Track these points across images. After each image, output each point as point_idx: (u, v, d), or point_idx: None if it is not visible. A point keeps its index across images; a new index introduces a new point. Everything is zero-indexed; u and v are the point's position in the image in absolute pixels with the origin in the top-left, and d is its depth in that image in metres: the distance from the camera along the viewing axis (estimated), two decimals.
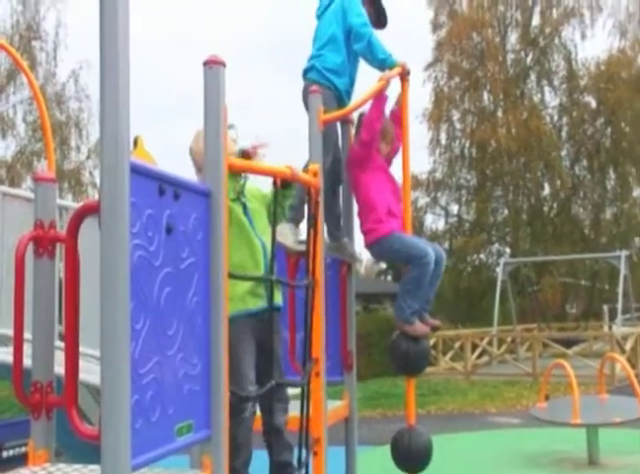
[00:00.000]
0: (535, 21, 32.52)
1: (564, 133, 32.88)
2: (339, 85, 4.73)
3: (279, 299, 3.76)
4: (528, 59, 32.71)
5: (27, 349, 2.91)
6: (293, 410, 3.70)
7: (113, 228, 2.08)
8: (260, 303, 3.58)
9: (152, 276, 2.33)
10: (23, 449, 4.79)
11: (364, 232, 4.86)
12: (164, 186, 2.44)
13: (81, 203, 2.92)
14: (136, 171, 2.23)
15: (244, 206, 3.70)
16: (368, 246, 4.89)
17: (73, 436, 2.59)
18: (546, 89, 32.61)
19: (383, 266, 40.08)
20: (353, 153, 4.83)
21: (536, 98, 32.61)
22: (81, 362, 2.79)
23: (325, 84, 4.64)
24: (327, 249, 4.35)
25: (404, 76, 4.82)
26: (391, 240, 4.75)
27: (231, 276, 2.94)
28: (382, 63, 4.73)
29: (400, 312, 4.74)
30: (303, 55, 4.92)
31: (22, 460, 2.92)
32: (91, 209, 2.44)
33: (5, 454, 4.93)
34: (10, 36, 23.41)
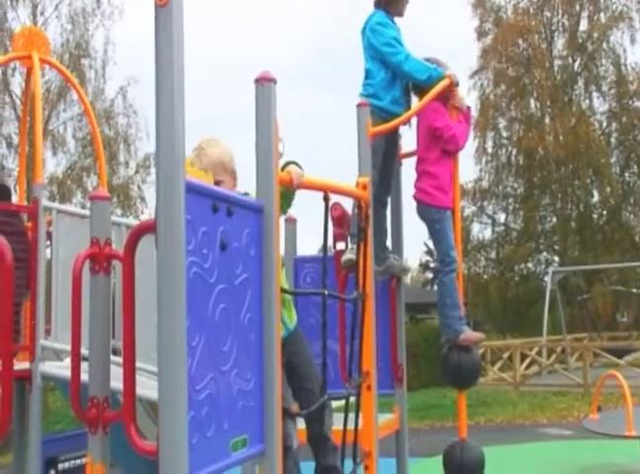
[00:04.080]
0: (583, 26, 32.16)
1: (613, 139, 32.39)
2: (382, 107, 4.77)
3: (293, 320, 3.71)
4: (576, 65, 32.32)
5: (83, 364, 2.97)
6: (340, 423, 3.69)
7: (169, 246, 2.12)
8: (283, 330, 3.54)
9: (207, 292, 2.36)
10: (78, 462, 4.86)
11: (419, 189, 4.92)
12: (218, 203, 2.47)
13: (133, 219, 2.97)
14: (191, 189, 2.27)
15: None
16: (417, 201, 4.96)
17: (126, 449, 2.63)
18: (594, 95, 32.21)
19: (430, 276, 39.88)
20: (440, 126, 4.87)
21: (584, 104, 32.22)
22: (140, 378, 2.85)
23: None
24: (374, 274, 4.34)
25: (453, 88, 4.82)
26: (439, 218, 4.81)
27: (283, 290, 2.96)
28: (428, 82, 4.75)
29: (448, 329, 4.75)
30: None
31: (77, 473, 2.97)
32: (147, 228, 2.48)
33: (61, 467, 5.01)
34: (60, 54, 23.85)
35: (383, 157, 4.76)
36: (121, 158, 25.83)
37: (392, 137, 4.90)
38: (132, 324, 2.54)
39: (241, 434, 2.49)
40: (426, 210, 4.88)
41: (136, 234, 2.50)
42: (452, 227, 4.87)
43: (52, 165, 24.92)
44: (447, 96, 4.92)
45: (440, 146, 4.86)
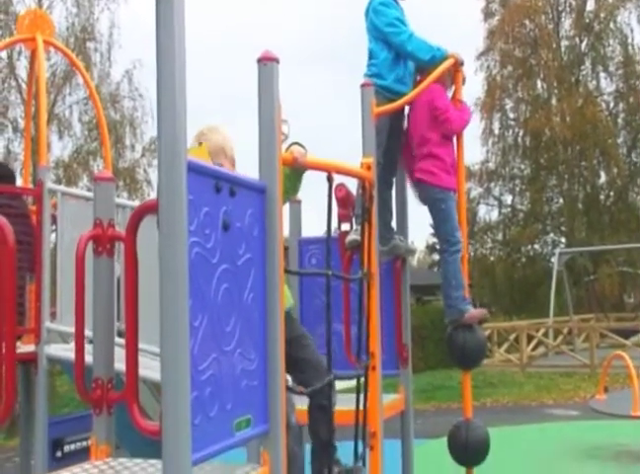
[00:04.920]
0: (590, 6, 31.92)
1: (620, 120, 32.23)
2: (385, 86, 4.74)
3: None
4: (583, 45, 32.11)
5: (87, 345, 2.97)
6: (348, 404, 3.69)
7: (171, 226, 2.11)
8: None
9: (210, 272, 2.36)
10: (84, 444, 4.88)
11: (423, 169, 4.85)
12: (220, 183, 2.46)
13: (139, 202, 2.97)
14: (193, 169, 2.25)
15: None
16: (418, 182, 4.89)
17: (131, 431, 2.63)
18: (602, 75, 32.02)
19: (436, 257, 39.86)
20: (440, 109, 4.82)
21: (591, 84, 32.04)
22: (140, 358, 2.84)
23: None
24: (379, 254, 4.33)
25: (457, 67, 4.78)
26: (444, 198, 4.76)
27: (287, 271, 2.96)
28: (431, 62, 4.72)
29: (452, 310, 4.75)
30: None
31: (83, 454, 2.98)
32: (150, 208, 2.47)
33: (67, 449, 5.03)
34: (65, 37, 23.78)
35: (387, 137, 4.73)
36: (127, 141, 25.80)
37: (397, 117, 4.87)
38: (135, 305, 2.53)
39: (245, 413, 2.49)
40: (429, 190, 4.82)
41: (138, 214, 2.49)
42: (457, 209, 4.85)
43: (59, 149, 24.92)
44: (451, 85, 4.90)
45: (437, 127, 4.82)
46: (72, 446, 5.02)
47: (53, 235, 5.70)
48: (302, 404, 3.60)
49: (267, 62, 2.86)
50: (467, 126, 4.95)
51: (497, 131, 32.60)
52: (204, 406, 2.25)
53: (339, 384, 3.77)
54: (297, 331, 3.64)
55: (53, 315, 5.32)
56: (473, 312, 4.76)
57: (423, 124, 4.88)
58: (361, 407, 3.68)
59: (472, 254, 31.04)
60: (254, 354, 2.60)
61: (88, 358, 2.93)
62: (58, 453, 4.99)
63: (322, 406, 3.55)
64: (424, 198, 4.90)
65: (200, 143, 3.08)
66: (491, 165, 32.61)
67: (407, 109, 4.95)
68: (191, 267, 2.18)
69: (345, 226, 4.55)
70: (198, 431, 2.16)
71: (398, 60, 4.82)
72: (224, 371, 2.39)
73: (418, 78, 4.93)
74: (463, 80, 4.94)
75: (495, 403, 14.73)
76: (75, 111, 25.14)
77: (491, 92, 31.86)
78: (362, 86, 4.35)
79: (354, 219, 4.41)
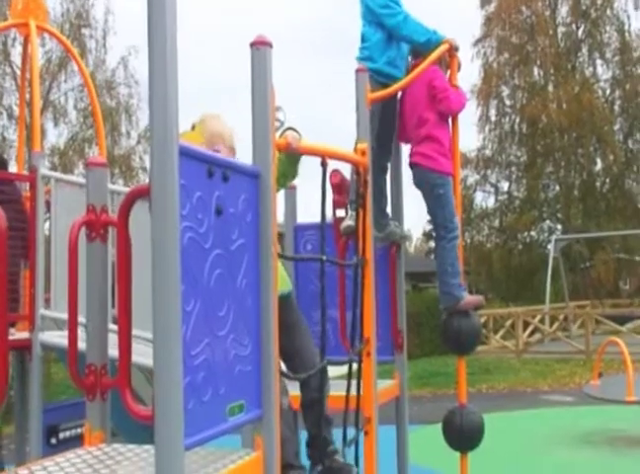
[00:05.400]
0: None
1: (617, 107, 32.25)
2: (376, 69, 4.70)
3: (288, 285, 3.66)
4: (580, 32, 32.08)
5: (81, 332, 2.95)
6: (339, 389, 3.70)
7: (163, 210, 2.09)
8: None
9: (202, 257, 2.34)
10: (79, 431, 4.89)
11: (421, 153, 4.80)
12: (213, 168, 2.44)
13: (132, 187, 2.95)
14: (185, 153, 2.24)
15: None
16: (415, 166, 4.85)
17: (128, 418, 2.62)
18: (598, 62, 32.04)
19: (433, 244, 39.86)
20: (438, 90, 4.77)
21: (588, 71, 32.03)
22: (134, 345, 2.83)
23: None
24: (375, 240, 4.32)
25: (452, 53, 4.76)
26: (442, 183, 4.72)
27: (280, 256, 2.95)
28: (427, 45, 4.68)
29: (448, 296, 4.72)
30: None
31: (78, 441, 2.97)
32: (141, 193, 2.45)
33: (62, 436, 5.04)
34: (60, 24, 23.67)
35: (380, 121, 4.69)
36: (123, 129, 25.76)
37: (390, 101, 4.83)
38: (127, 290, 2.52)
39: (238, 399, 2.49)
40: (427, 175, 4.76)
41: (130, 198, 2.47)
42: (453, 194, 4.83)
43: (54, 136, 24.85)
44: (445, 71, 4.88)
45: (435, 107, 4.78)
46: (67, 433, 5.03)
47: (48, 223, 5.69)
48: (296, 389, 3.60)
49: (260, 47, 2.84)
50: (463, 110, 4.92)
51: (493, 118, 32.62)
52: (197, 391, 2.24)
53: (336, 370, 3.78)
54: (294, 317, 3.63)
55: (48, 302, 5.31)
56: (469, 299, 4.74)
57: (420, 105, 4.81)
58: (355, 393, 3.69)
59: (469, 241, 31.11)
60: (247, 339, 2.59)
61: (82, 345, 2.92)
62: (53, 440, 4.99)
63: (312, 401, 3.53)
64: (419, 182, 4.84)
65: (194, 127, 3.06)
66: (487, 152, 32.63)
67: (399, 93, 4.91)
68: (183, 251, 2.17)
69: (340, 212, 4.54)
70: (190, 415, 2.15)
71: (390, 43, 4.76)
72: (217, 356, 2.38)
73: (412, 62, 4.89)
74: (459, 66, 4.91)
75: (491, 389, 14.77)
76: (70, 98, 25.09)
77: (487, 79, 31.83)
78: (357, 71, 4.32)
79: (349, 205, 4.40)
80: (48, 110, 24.30)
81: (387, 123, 4.80)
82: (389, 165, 4.94)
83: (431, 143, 4.77)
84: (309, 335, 3.67)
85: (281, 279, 3.30)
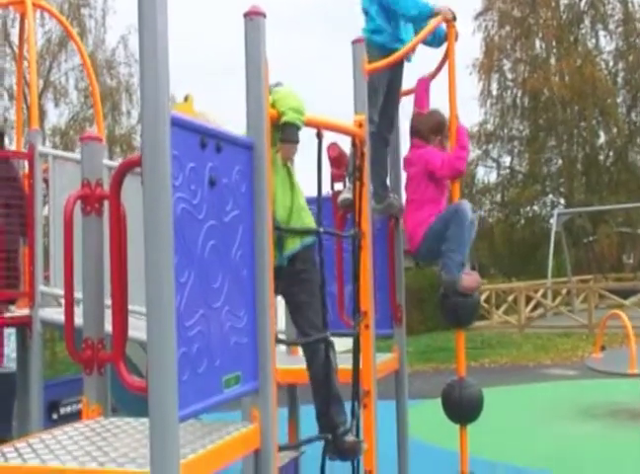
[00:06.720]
0: None
1: (620, 79, 31.94)
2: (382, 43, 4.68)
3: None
4: (582, 3, 31.70)
5: (79, 308, 2.95)
6: (345, 363, 3.68)
7: (154, 181, 2.07)
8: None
9: (196, 228, 2.33)
10: (80, 406, 4.90)
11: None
12: (206, 139, 2.42)
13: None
14: (177, 124, 2.22)
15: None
16: None
17: (128, 394, 2.62)
18: (601, 34, 31.65)
19: None
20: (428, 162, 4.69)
21: (591, 43, 31.71)
22: (133, 320, 2.83)
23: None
24: (374, 211, 4.29)
25: (450, 22, 4.71)
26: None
27: (276, 228, 2.94)
28: (419, 18, 4.65)
29: (448, 271, 4.62)
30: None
31: (79, 417, 2.97)
32: (133, 164, 2.43)
33: (63, 411, 5.06)
34: (60, 4, 23.51)
35: (385, 93, 4.68)
36: (124, 108, 25.69)
37: (394, 73, 4.80)
38: (121, 263, 2.50)
39: (234, 370, 2.49)
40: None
41: (122, 170, 2.46)
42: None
43: (55, 116, 24.78)
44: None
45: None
46: (68, 409, 5.05)
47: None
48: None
49: (253, 17, 2.81)
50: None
51: (495, 92, 32.33)
52: (192, 362, 2.24)
53: (341, 345, 3.75)
54: (315, 274, 3.53)
55: (47, 279, 5.31)
56: (467, 282, 4.60)
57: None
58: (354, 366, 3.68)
59: None
60: (243, 311, 2.58)
61: (79, 321, 2.91)
62: (54, 415, 5.02)
63: (317, 375, 3.48)
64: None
65: (186, 98, 3.03)
66: (489, 126, 32.40)
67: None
68: (176, 223, 2.16)
69: (338, 186, 4.52)
70: (185, 387, 2.15)
71: (393, 18, 4.75)
72: (212, 328, 2.38)
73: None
74: (456, 36, 4.85)
75: (493, 364, 14.80)
76: (71, 78, 25.00)
77: (489, 52, 31.54)
78: (354, 42, 4.28)
79: (346, 178, 4.37)
80: (49, 90, 24.23)
81: (391, 95, 4.78)
82: (390, 138, 4.91)
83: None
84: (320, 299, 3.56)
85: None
